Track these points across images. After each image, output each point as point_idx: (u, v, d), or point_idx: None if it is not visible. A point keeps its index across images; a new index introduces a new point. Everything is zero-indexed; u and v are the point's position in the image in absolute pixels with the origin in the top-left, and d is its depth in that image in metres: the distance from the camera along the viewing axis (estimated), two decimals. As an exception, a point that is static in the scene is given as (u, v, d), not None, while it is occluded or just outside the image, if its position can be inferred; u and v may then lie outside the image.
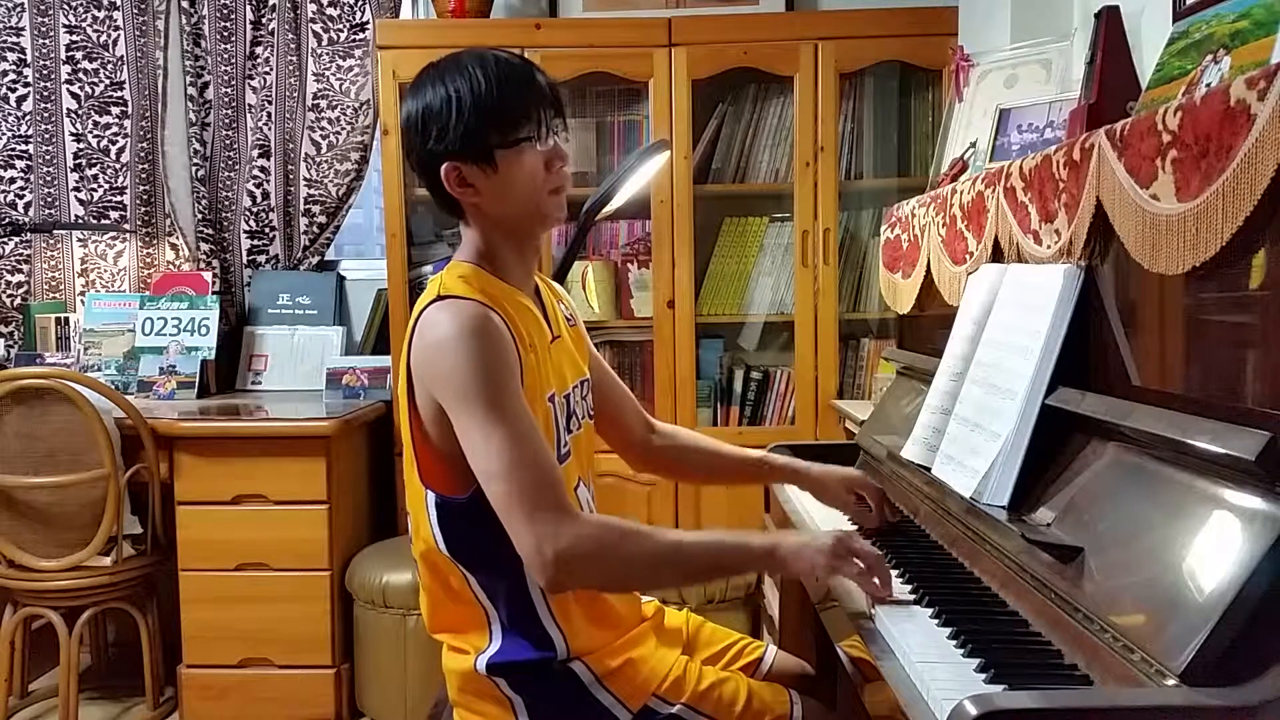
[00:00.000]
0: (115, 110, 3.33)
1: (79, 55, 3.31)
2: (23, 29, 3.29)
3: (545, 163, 1.35)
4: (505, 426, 1.24)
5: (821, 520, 1.77)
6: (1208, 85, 1.33)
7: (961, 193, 1.78)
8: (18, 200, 3.33)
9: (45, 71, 3.31)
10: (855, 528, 1.68)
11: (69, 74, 3.32)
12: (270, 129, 3.29)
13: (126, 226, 3.35)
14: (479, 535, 1.33)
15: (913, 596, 1.32)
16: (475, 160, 1.32)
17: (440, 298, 1.31)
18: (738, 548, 1.33)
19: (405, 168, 2.97)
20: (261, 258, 3.35)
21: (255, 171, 3.29)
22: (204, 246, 3.27)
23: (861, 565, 1.30)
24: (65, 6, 3.29)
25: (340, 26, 3.26)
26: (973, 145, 2.19)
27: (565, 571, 1.23)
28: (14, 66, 3.29)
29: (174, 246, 3.33)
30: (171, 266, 3.33)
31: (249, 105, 3.30)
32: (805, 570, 1.32)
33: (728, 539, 1.34)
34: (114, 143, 3.34)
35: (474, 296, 1.31)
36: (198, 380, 3.08)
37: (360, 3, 3.24)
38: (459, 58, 1.35)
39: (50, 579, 2.60)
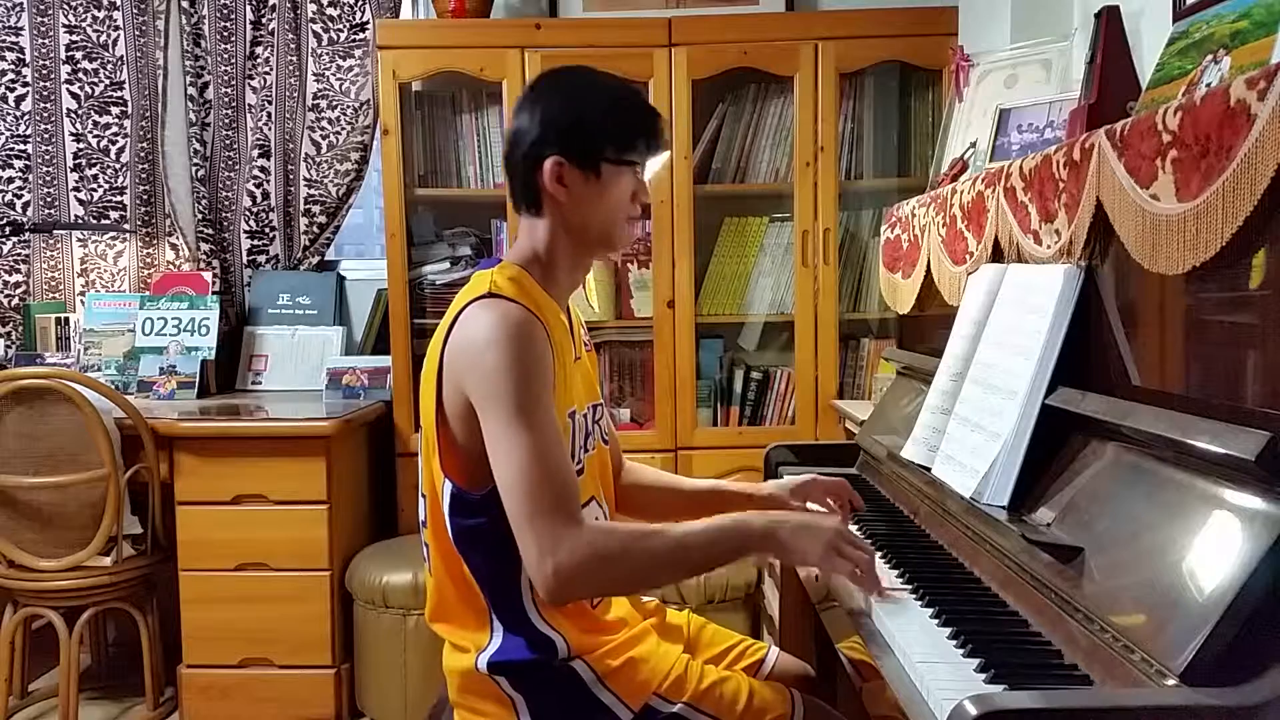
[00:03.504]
0: (115, 110, 3.33)
1: (79, 55, 3.31)
2: (22, 29, 3.28)
3: (634, 192, 1.40)
4: (531, 436, 1.24)
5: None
6: (1208, 85, 1.33)
7: (961, 193, 1.78)
8: (16, 200, 3.33)
9: (45, 71, 3.31)
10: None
11: (69, 74, 3.31)
12: (270, 129, 3.29)
13: (126, 226, 3.35)
14: (484, 533, 1.34)
15: (913, 596, 1.32)
16: (582, 163, 1.36)
17: (489, 295, 1.32)
18: (737, 532, 1.33)
19: (405, 168, 2.98)
20: (261, 258, 3.35)
21: (255, 171, 3.29)
22: (204, 246, 3.27)
23: (855, 564, 1.31)
24: (65, 6, 3.29)
25: (340, 26, 3.26)
26: (973, 145, 2.19)
27: (565, 585, 1.24)
28: (13, 66, 3.29)
29: (174, 246, 3.33)
30: (171, 266, 3.33)
31: (249, 105, 3.30)
32: (800, 558, 1.33)
33: (727, 524, 1.33)
34: (114, 143, 3.34)
35: (522, 300, 1.32)
36: (198, 380, 3.07)
37: (360, 3, 3.24)
38: (596, 72, 1.43)
39: (50, 579, 2.60)
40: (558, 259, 1.41)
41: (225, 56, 3.29)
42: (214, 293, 3.23)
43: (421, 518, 1.42)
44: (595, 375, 1.57)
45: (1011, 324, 1.47)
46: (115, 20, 3.31)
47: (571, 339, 1.46)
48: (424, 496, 1.40)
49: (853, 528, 1.68)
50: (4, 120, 3.30)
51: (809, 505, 1.66)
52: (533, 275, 1.40)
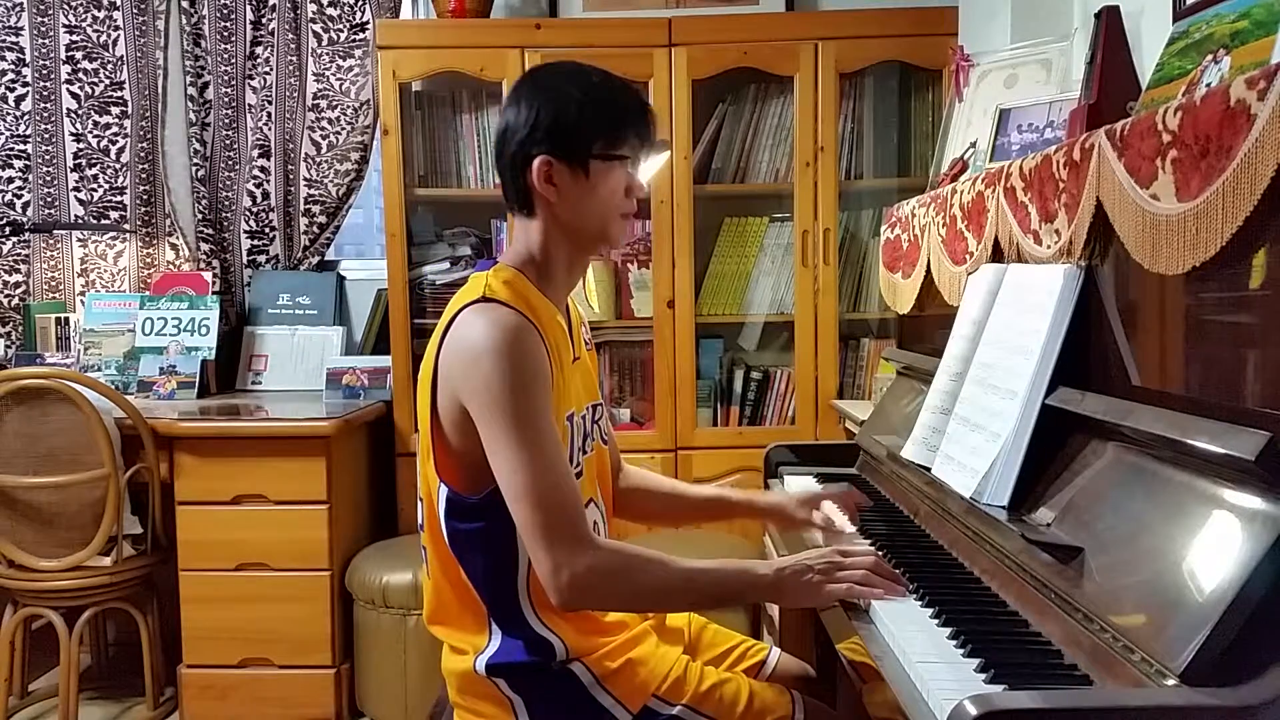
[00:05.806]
0: (115, 110, 3.33)
1: (79, 55, 3.31)
2: (22, 29, 3.28)
3: (626, 187, 1.38)
4: (534, 447, 1.25)
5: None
6: (1208, 85, 1.33)
7: (961, 193, 1.78)
8: (16, 200, 3.33)
9: (45, 71, 3.31)
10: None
11: (69, 74, 3.31)
12: (270, 129, 3.29)
13: (126, 226, 3.35)
14: (481, 536, 1.34)
15: (913, 596, 1.32)
16: (570, 161, 1.34)
17: (482, 299, 1.32)
18: (744, 578, 1.35)
19: (405, 168, 2.98)
20: (261, 258, 3.35)
21: (255, 171, 3.29)
22: (204, 246, 3.27)
23: (858, 574, 1.31)
24: (65, 6, 3.29)
25: (340, 26, 3.26)
26: (973, 145, 2.19)
27: (578, 596, 1.26)
28: (13, 66, 3.29)
29: (174, 246, 3.33)
30: (171, 266, 3.33)
31: (249, 105, 3.30)
32: (804, 597, 1.34)
33: (734, 569, 1.36)
34: (114, 143, 3.34)
35: (515, 304, 1.31)
36: (198, 380, 3.07)
37: (360, 3, 3.24)
38: (582, 66, 1.40)
39: (50, 579, 2.60)
40: (553, 259, 1.40)
41: (225, 56, 3.29)
42: (214, 293, 3.23)
43: (420, 521, 1.42)
44: (595, 374, 1.57)
45: (1011, 324, 1.47)
46: (115, 20, 3.30)
47: (570, 339, 1.45)
48: (421, 500, 1.40)
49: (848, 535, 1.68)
50: (4, 120, 3.30)
51: (814, 515, 1.66)
52: (528, 276, 1.39)
